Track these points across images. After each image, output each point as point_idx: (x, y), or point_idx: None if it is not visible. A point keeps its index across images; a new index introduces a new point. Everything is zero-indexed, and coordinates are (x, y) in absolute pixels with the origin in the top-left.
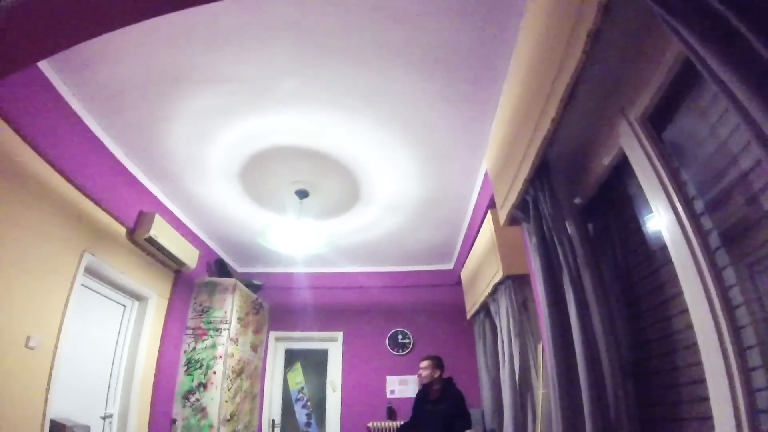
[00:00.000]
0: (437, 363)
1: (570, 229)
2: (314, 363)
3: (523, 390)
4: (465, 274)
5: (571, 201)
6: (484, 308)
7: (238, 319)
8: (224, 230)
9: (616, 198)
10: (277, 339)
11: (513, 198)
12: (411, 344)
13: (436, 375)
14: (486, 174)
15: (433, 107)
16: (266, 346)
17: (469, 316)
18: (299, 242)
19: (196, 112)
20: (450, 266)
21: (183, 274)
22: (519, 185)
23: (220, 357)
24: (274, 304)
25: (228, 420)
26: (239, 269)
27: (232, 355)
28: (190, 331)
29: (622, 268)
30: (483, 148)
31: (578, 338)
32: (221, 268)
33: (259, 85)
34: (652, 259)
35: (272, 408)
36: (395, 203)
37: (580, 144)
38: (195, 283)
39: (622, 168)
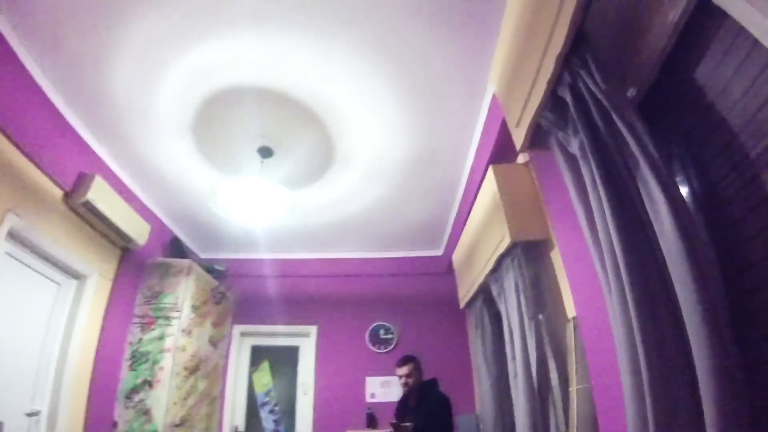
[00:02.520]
0: (418, 364)
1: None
2: (284, 362)
3: (543, 388)
4: (458, 255)
5: (623, 92)
6: (483, 292)
7: (193, 307)
8: (180, 203)
9: (689, 83)
10: (243, 334)
11: (538, 98)
12: (394, 340)
13: (417, 376)
14: (487, 118)
15: (425, 33)
16: (229, 342)
17: (463, 304)
18: (257, 206)
19: (141, 42)
20: (439, 252)
21: (132, 253)
22: (547, 72)
23: (168, 350)
24: (240, 294)
25: (177, 425)
26: (201, 255)
27: (184, 349)
28: (138, 320)
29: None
30: (484, 83)
31: (687, 288)
32: (177, 248)
33: (212, 1)
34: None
35: (235, 413)
36: (377, 168)
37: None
38: (146, 264)
39: (697, 30)
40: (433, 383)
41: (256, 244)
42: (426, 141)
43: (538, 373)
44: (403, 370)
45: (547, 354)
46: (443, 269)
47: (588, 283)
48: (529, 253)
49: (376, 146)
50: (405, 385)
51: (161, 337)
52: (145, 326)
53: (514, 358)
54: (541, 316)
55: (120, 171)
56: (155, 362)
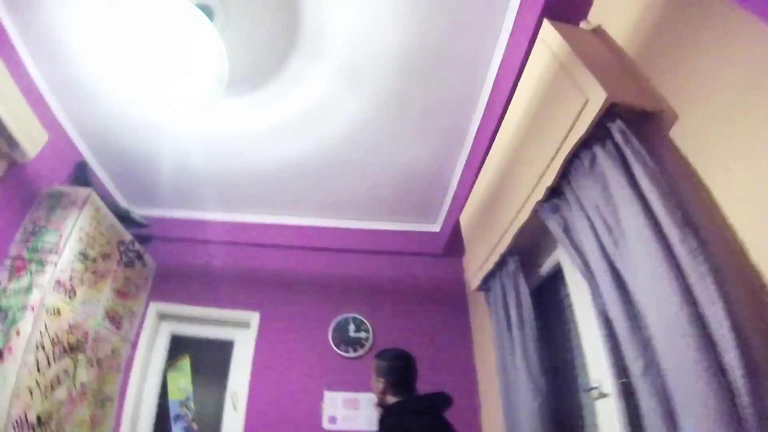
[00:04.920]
0: (383, 368)
1: None
2: (211, 361)
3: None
4: (471, 210)
5: None
6: (519, 254)
7: (82, 255)
8: (92, 110)
9: None
10: (161, 315)
11: None
12: (369, 341)
13: (381, 391)
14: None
15: None
16: (141, 323)
17: (476, 284)
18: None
19: None
20: (435, 227)
21: (19, 170)
22: None
23: (32, 308)
24: (163, 263)
25: (33, 427)
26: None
27: (58, 313)
28: (8, 262)
29: None
30: None
31: None
32: (82, 178)
33: None
34: None
35: (137, 424)
36: (359, 68)
37: None
38: (41, 194)
39: None
40: (396, 407)
41: (190, 197)
42: (434, 31)
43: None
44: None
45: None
46: (440, 250)
47: None
48: (633, 128)
49: (359, 29)
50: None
51: (28, 289)
52: (14, 271)
53: (615, 347)
54: (695, 241)
55: (24, 51)
56: (12, 323)
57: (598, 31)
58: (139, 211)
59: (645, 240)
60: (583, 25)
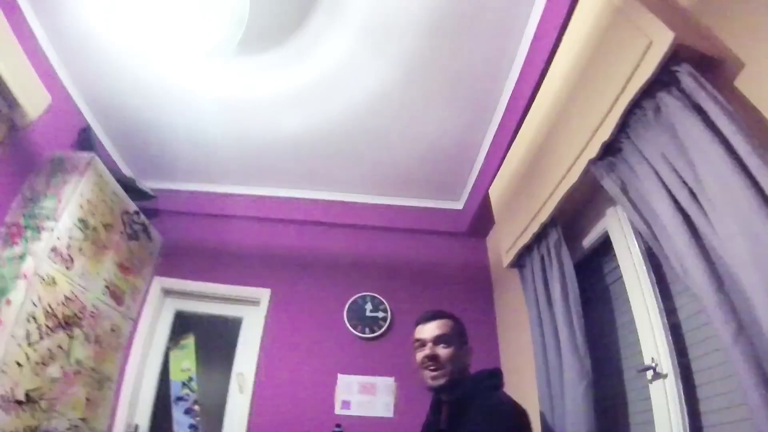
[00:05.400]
0: (461, 329)
1: None
2: (218, 340)
3: None
4: (504, 180)
5: None
6: (562, 226)
7: (83, 222)
8: (98, 72)
9: None
10: (166, 292)
11: None
12: (387, 321)
13: (457, 364)
14: None
15: None
16: (144, 300)
17: (509, 260)
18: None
19: None
20: (458, 205)
21: (20, 135)
22: None
23: (25, 277)
24: (170, 239)
25: (20, 402)
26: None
27: (53, 283)
28: (4, 229)
29: None
30: None
31: None
32: (84, 142)
33: None
34: None
35: (137, 406)
36: (384, 21)
37: None
38: (41, 160)
39: None
40: (487, 380)
41: (200, 168)
42: None
43: None
44: (431, 331)
45: None
46: (464, 229)
47: None
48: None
49: None
50: (434, 378)
51: (21, 257)
52: (9, 239)
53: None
54: None
55: (27, 5)
56: (3, 292)
57: None
58: (146, 184)
59: (734, 188)
60: None
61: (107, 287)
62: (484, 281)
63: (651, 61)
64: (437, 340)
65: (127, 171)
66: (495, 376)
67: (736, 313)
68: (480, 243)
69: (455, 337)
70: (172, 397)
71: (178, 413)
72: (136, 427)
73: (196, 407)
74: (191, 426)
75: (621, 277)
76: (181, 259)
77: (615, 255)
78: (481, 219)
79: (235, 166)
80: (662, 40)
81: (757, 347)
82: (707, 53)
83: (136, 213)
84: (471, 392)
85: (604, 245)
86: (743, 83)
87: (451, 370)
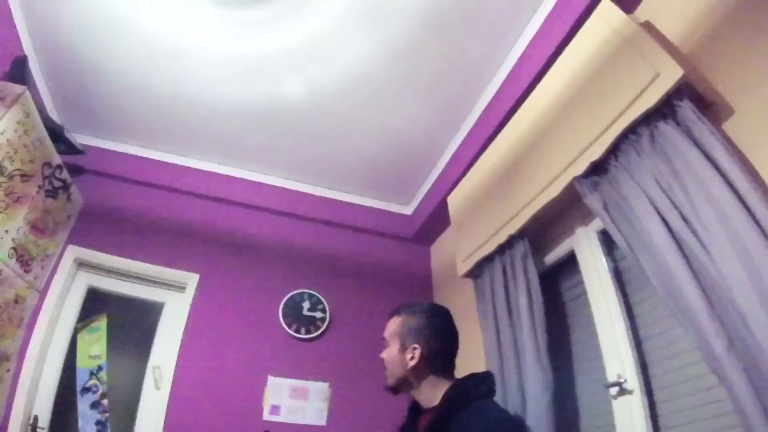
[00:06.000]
0: (409, 328)
1: None
2: (134, 325)
3: None
4: (473, 183)
5: None
6: (530, 238)
7: (6, 160)
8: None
9: None
10: (80, 263)
11: None
12: (325, 322)
13: (397, 366)
14: None
15: None
16: (54, 268)
17: (468, 268)
18: None
19: None
20: (407, 210)
21: None
22: None
23: None
24: (92, 202)
25: None
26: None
27: None
28: None
29: None
30: None
31: None
32: (17, 75)
33: None
34: None
35: (36, 394)
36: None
37: None
38: None
39: None
40: (475, 388)
41: (138, 128)
42: None
43: None
44: (393, 327)
45: None
46: (410, 234)
47: None
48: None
49: None
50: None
51: None
52: None
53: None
54: None
55: None
56: None
57: (647, 26)
58: (75, 137)
59: (728, 213)
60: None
61: (14, 249)
62: (426, 289)
63: (656, 91)
64: (383, 341)
65: (56, 117)
66: (484, 382)
67: (726, 327)
68: (424, 250)
69: (399, 336)
70: (78, 388)
71: (83, 406)
72: (35, 419)
73: (105, 402)
74: (98, 422)
75: (583, 294)
76: (101, 227)
77: (578, 272)
78: (429, 226)
79: (179, 131)
80: (670, 73)
81: (749, 357)
82: (704, 95)
83: (59, 167)
84: (454, 404)
85: (568, 263)
86: (731, 127)
87: (391, 372)
